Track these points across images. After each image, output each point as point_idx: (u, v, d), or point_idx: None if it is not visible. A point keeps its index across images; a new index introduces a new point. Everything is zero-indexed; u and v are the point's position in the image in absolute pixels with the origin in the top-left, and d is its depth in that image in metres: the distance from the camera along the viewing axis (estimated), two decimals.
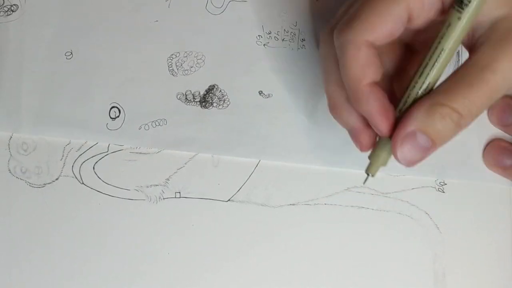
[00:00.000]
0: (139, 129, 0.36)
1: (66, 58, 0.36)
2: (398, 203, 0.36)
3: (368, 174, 0.30)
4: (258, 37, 0.37)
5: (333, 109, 0.31)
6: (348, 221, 0.36)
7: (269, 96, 0.36)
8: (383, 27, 0.27)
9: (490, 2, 0.26)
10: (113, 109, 0.36)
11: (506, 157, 0.36)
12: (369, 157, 0.31)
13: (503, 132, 0.37)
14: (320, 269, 0.35)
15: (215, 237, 0.36)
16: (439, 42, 0.27)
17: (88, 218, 0.35)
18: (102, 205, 0.35)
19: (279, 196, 0.36)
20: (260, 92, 0.36)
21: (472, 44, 0.27)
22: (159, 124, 0.36)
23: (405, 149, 0.27)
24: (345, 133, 0.31)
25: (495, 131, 0.37)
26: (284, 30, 0.37)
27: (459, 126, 0.27)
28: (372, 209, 0.36)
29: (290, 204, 0.36)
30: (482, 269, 0.36)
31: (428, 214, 0.36)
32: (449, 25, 0.26)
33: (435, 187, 0.36)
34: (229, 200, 0.36)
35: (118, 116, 0.36)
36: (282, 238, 0.36)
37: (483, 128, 0.37)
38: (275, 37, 0.37)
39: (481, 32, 0.27)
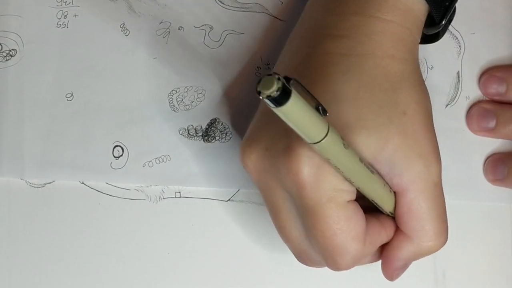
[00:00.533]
0: (143, 166, 0.36)
1: (67, 100, 0.36)
2: None
3: None
4: (257, 69, 0.37)
5: (299, 256, 0.30)
6: None
7: None
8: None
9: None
10: (116, 148, 0.36)
11: (500, 168, 0.36)
12: None
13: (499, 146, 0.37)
14: (321, 268, 0.35)
15: (215, 237, 0.36)
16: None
17: (88, 218, 0.35)
18: (102, 205, 0.35)
19: None
20: None
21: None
22: (163, 161, 0.36)
23: (398, 275, 0.31)
24: None
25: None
26: None
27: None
28: None
29: None
30: (482, 269, 0.36)
31: None
32: None
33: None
34: (229, 200, 0.36)
35: (121, 155, 0.36)
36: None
37: (483, 147, 0.37)
38: (273, 67, 0.37)
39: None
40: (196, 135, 0.36)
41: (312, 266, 0.31)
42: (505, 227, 0.37)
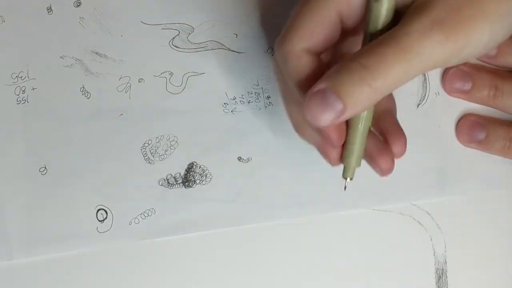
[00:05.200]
0: (129, 224, 0.35)
1: (41, 174, 0.35)
2: (399, 203, 0.36)
3: (346, 179, 0.30)
4: (224, 105, 0.37)
5: (297, 127, 0.31)
6: (350, 221, 0.36)
7: (248, 160, 0.36)
8: (318, 34, 0.27)
9: None
10: (100, 211, 0.35)
11: (478, 131, 0.36)
12: (342, 162, 0.30)
13: (472, 107, 0.37)
14: (322, 268, 0.35)
15: (216, 236, 0.36)
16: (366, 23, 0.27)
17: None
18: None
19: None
20: (240, 158, 0.36)
21: (400, 16, 0.26)
22: (149, 215, 0.36)
23: (313, 106, 0.25)
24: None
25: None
26: (248, 92, 0.37)
27: (370, 86, 0.24)
28: (374, 209, 0.36)
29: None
30: (484, 269, 0.36)
31: (430, 214, 0.36)
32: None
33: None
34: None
35: (106, 218, 0.35)
36: (283, 238, 0.36)
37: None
38: (240, 101, 0.37)
39: (407, 5, 0.26)
40: (176, 183, 0.36)
41: (306, 140, 0.31)
42: (507, 227, 0.36)
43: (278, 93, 0.32)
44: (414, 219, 0.36)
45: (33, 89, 0.36)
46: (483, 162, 0.37)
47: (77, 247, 0.35)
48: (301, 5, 0.27)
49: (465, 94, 0.37)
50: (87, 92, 0.36)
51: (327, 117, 0.25)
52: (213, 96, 0.37)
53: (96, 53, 0.37)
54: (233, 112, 0.37)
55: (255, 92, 0.37)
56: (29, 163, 0.36)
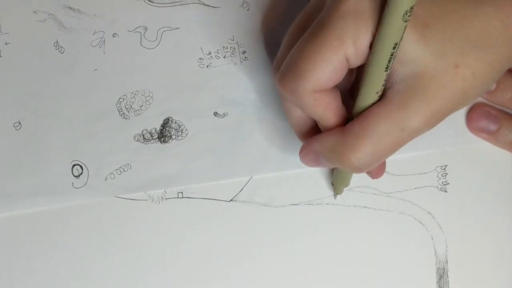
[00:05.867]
0: (105, 180, 0.35)
1: (16, 129, 0.35)
2: (400, 203, 0.36)
3: (335, 194, 0.36)
4: (199, 60, 0.36)
5: (302, 136, 0.32)
6: (351, 221, 0.36)
7: (224, 115, 0.36)
8: (327, 79, 0.27)
9: (411, 43, 0.25)
10: (75, 167, 0.35)
11: (490, 122, 0.36)
12: (332, 183, 0.35)
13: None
14: (323, 268, 0.35)
15: (217, 237, 0.35)
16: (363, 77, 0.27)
17: (90, 218, 0.35)
18: (105, 205, 0.35)
19: (281, 196, 0.36)
20: (215, 113, 0.36)
21: (385, 91, 0.27)
22: (124, 170, 0.35)
23: (307, 158, 0.30)
24: None
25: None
26: (223, 47, 0.36)
27: (357, 171, 0.28)
28: (375, 209, 0.36)
29: (292, 204, 0.36)
30: (485, 268, 0.35)
31: (431, 214, 0.36)
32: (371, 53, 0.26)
33: (437, 187, 0.36)
34: (231, 200, 0.36)
35: (81, 173, 0.35)
36: (284, 238, 0.35)
37: None
38: (216, 56, 0.36)
39: (394, 81, 0.26)
40: (152, 139, 0.36)
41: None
42: (508, 227, 0.36)
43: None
44: (415, 219, 0.36)
45: (6, 43, 0.36)
46: None
47: (52, 203, 0.35)
48: (306, 45, 0.27)
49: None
50: (61, 47, 0.36)
51: (315, 166, 0.31)
52: (188, 51, 0.36)
53: (69, 7, 0.36)
54: (209, 67, 0.36)
55: (231, 47, 0.36)
56: (2, 118, 0.35)
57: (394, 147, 0.27)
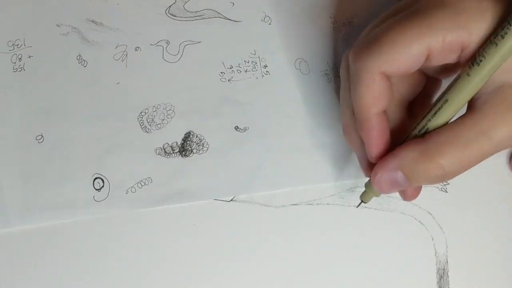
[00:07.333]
0: (126, 193, 0.35)
1: (38, 142, 0.35)
2: (401, 203, 0.36)
3: (362, 201, 0.33)
4: (221, 74, 0.36)
5: (344, 128, 0.32)
6: (351, 221, 0.36)
7: (245, 129, 0.36)
8: (401, 63, 0.26)
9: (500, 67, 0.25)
10: (96, 180, 0.35)
11: None
12: (365, 186, 0.32)
13: None
14: (323, 268, 0.35)
15: (217, 237, 0.35)
16: (445, 92, 0.26)
17: (90, 219, 0.35)
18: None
19: (281, 196, 0.36)
20: (236, 128, 0.36)
21: (473, 102, 0.27)
22: (145, 184, 0.35)
23: (383, 181, 0.29)
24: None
25: None
26: (245, 61, 0.37)
27: (441, 179, 0.27)
28: (375, 209, 0.36)
29: (293, 204, 0.36)
30: (485, 268, 0.35)
31: (431, 214, 0.36)
32: (458, 77, 0.26)
33: (438, 187, 0.36)
34: (231, 200, 0.36)
35: (103, 186, 0.35)
36: (284, 238, 0.35)
37: None
38: (237, 70, 0.36)
39: (483, 92, 0.26)
40: (173, 152, 0.36)
41: (349, 143, 0.32)
42: (508, 227, 0.36)
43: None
44: (416, 219, 0.36)
45: (30, 57, 0.36)
46: None
47: (73, 216, 0.35)
48: (394, 24, 0.26)
49: None
50: (84, 60, 0.36)
51: (391, 190, 0.29)
52: (210, 65, 0.36)
53: (93, 21, 0.37)
54: (230, 81, 0.36)
55: (252, 61, 0.37)
56: (25, 131, 0.35)
57: (481, 157, 0.26)
